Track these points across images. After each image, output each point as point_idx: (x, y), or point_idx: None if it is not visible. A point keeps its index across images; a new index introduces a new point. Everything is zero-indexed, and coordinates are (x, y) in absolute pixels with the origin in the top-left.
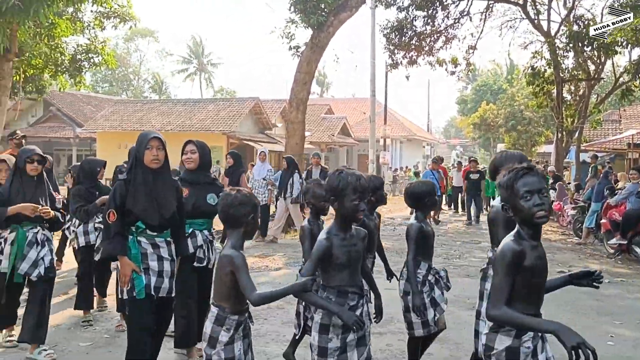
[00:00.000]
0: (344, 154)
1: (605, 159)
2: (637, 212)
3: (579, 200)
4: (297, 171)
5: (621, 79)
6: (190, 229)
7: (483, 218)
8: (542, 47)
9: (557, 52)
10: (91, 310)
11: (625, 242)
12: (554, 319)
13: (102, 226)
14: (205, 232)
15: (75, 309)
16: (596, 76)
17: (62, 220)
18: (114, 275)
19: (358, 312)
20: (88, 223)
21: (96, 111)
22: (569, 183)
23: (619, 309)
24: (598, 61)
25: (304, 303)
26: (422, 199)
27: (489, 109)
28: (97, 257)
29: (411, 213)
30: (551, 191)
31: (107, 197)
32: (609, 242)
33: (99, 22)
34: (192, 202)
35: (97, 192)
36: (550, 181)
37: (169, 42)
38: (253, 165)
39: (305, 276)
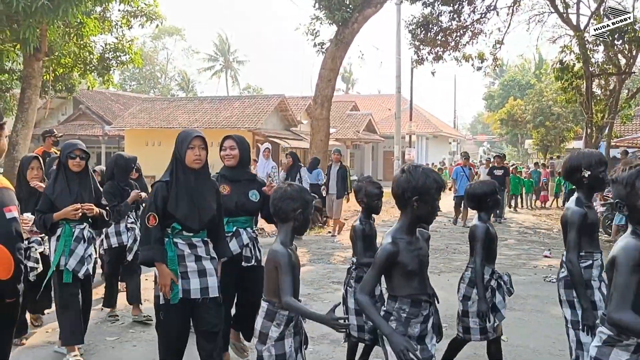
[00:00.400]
0: (370, 151)
1: (637, 154)
2: None
3: (608, 197)
4: (302, 166)
5: None
6: (234, 228)
7: (507, 215)
8: (571, 41)
9: (587, 46)
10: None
11: None
12: None
13: (134, 226)
14: (249, 229)
15: (103, 306)
16: (627, 70)
17: (108, 219)
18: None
19: (430, 322)
20: (120, 223)
21: (124, 109)
22: None
23: None
24: (629, 55)
25: (345, 307)
26: (484, 200)
27: (516, 105)
28: (129, 257)
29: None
30: None
31: (136, 192)
32: None
33: (127, 21)
34: (235, 200)
35: (129, 190)
36: None
37: (196, 40)
38: (256, 161)
39: (365, 287)
